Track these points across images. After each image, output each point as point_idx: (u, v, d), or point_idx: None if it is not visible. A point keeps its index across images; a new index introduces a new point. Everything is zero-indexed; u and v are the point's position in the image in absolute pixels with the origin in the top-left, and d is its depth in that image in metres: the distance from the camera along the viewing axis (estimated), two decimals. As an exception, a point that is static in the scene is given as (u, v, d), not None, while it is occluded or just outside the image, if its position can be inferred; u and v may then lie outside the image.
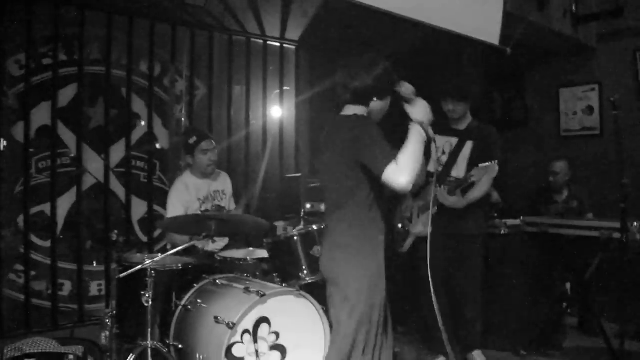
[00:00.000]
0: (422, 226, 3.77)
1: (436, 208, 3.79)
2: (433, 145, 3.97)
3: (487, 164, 3.48)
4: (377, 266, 2.59)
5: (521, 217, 4.39)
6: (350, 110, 2.64)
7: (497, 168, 3.47)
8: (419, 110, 2.56)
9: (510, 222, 4.39)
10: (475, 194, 3.75)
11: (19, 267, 4.22)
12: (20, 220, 4.23)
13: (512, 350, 4.18)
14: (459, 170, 3.82)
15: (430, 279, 2.59)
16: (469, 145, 3.84)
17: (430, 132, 2.53)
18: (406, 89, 2.63)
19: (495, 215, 4.51)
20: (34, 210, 4.30)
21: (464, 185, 3.69)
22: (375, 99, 2.62)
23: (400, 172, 2.34)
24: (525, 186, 5.53)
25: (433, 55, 5.49)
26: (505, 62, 5.34)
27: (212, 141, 3.96)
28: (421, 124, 2.52)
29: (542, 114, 6.14)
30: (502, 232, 4.34)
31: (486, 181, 3.72)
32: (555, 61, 5.97)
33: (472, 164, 3.77)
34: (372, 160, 2.42)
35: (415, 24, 4.05)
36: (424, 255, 2.79)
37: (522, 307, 4.24)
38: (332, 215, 2.67)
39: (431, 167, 3.92)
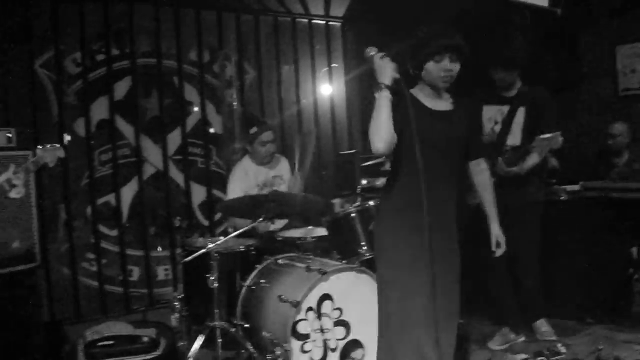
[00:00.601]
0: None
1: (494, 179, 3.75)
2: (484, 118, 3.88)
3: (549, 135, 3.36)
4: (402, 234, 2.51)
5: (580, 182, 4.27)
6: None
7: (560, 139, 3.35)
8: (380, 72, 2.43)
9: (569, 187, 4.28)
10: (532, 161, 3.65)
11: (91, 256, 4.44)
12: (89, 211, 4.43)
13: (577, 319, 4.12)
14: (514, 138, 3.74)
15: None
16: (521, 112, 3.75)
17: (402, 88, 2.42)
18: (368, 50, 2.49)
19: (554, 181, 4.40)
20: (100, 200, 4.48)
21: (524, 156, 3.61)
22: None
23: (371, 142, 2.40)
24: (582, 150, 5.36)
25: (480, 23, 5.36)
26: (556, 24, 5.15)
27: (272, 132, 4.00)
28: (385, 86, 2.39)
29: (598, 74, 5.90)
30: (562, 198, 4.25)
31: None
32: (610, 17, 5.71)
33: (527, 130, 3.70)
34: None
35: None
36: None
37: (587, 274, 4.15)
38: None
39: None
